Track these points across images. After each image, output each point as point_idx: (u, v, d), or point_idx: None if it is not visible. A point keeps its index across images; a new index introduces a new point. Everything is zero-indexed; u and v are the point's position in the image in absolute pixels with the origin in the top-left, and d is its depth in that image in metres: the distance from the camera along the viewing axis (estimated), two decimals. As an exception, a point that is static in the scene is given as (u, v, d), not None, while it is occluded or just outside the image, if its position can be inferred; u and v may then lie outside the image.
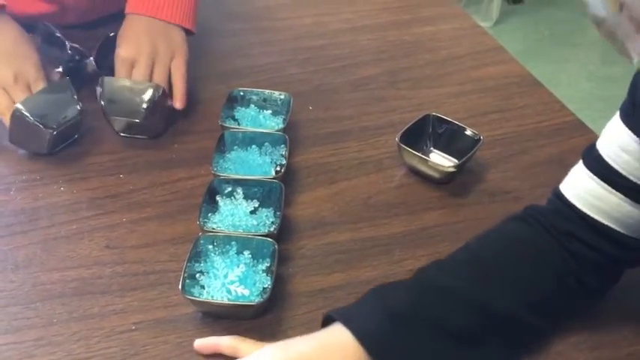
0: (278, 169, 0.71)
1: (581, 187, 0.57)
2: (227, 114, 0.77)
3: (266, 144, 0.73)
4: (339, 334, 0.52)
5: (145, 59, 0.77)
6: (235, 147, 0.73)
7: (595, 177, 0.56)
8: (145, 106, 0.75)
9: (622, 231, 0.56)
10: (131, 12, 0.81)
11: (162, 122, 0.77)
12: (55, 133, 0.72)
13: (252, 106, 0.79)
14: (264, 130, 0.74)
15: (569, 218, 0.58)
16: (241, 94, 0.79)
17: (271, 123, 0.77)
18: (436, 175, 0.72)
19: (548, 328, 0.57)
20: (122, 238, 0.65)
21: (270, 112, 0.78)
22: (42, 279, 0.61)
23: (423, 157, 0.72)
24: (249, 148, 0.73)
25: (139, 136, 0.76)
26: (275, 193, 0.66)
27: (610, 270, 0.58)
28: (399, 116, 0.81)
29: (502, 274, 0.56)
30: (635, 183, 0.54)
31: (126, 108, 0.75)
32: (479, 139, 0.73)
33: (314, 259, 0.64)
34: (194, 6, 0.83)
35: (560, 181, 0.61)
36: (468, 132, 0.74)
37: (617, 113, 0.57)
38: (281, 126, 0.75)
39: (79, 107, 0.74)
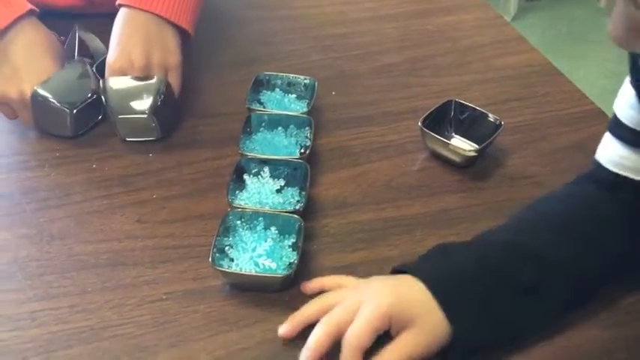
0: (303, 150, 0.72)
1: (609, 151, 0.62)
2: (253, 97, 0.79)
3: (291, 126, 0.75)
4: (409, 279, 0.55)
5: (137, 73, 0.73)
6: (261, 129, 0.75)
7: (615, 139, 0.61)
8: (151, 100, 0.72)
9: None
10: (124, 3, 0.75)
11: (169, 120, 0.76)
12: (75, 111, 0.73)
13: (278, 90, 0.80)
14: (290, 113, 0.76)
15: (607, 179, 0.62)
16: (267, 78, 0.81)
17: (296, 107, 0.79)
18: (457, 159, 0.73)
19: (609, 277, 0.59)
20: (152, 214, 0.67)
21: (294, 96, 0.80)
22: (76, 250, 0.63)
23: (445, 141, 0.73)
24: (274, 129, 0.75)
25: (146, 138, 0.74)
26: (300, 173, 0.68)
27: None
28: (421, 102, 0.83)
29: (561, 228, 0.59)
30: None
31: (131, 105, 0.72)
32: (500, 125, 0.74)
33: (338, 236, 0.66)
34: (193, 6, 0.78)
35: (580, 166, 0.65)
36: (489, 118, 0.76)
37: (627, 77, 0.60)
38: (305, 109, 0.77)
39: (95, 85, 0.74)
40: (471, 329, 0.53)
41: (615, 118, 0.62)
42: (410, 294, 0.54)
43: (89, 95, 0.75)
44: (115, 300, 0.59)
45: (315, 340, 0.52)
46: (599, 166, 0.64)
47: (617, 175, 0.61)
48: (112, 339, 0.56)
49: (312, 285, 0.59)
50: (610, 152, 0.63)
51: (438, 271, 0.56)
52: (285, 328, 0.55)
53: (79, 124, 0.75)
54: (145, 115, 0.72)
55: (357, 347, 0.51)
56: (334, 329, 0.52)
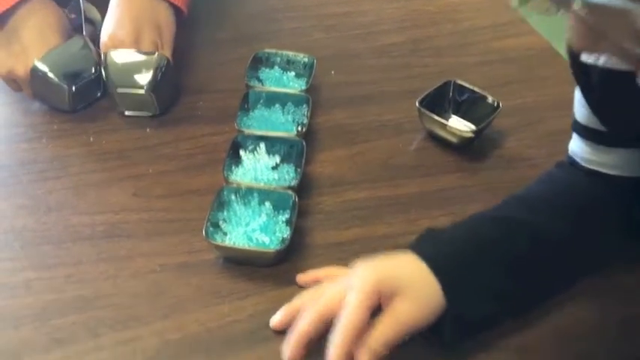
0: (300, 128, 0.72)
1: (574, 146, 0.64)
2: (252, 74, 0.79)
3: (289, 104, 0.75)
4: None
5: (128, 48, 0.74)
6: (259, 106, 0.75)
7: (576, 135, 0.63)
8: (151, 76, 0.72)
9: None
10: None
11: (168, 96, 0.76)
12: (74, 88, 0.73)
13: (277, 67, 0.80)
14: (288, 91, 0.76)
15: (582, 168, 0.63)
16: (266, 55, 0.81)
17: (294, 84, 0.79)
18: (454, 139, 0.73)
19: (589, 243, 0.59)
20: (148, 188, 0.68)
21: (293, 73, 0.80)
22: (72, 222, 0.64)
23: (442, 121, 0.73)
24: (272, 107, 0.75)
25: (144, 113, 0.75)
26: (296, 150, 0.69)
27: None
28: (420, 83, 0.82)
29: (547, 202, 0.60)
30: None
31: (130, 79, 0.73)
32: (497, 106, 0.74)
33: (332, 214, 0.66)
34: None
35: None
36: (488, 99, 0.75)
37: None
38: (304, 87, 0.77)
39: (97, 62, 0.75)
40: (466, 300, 0.52)
41: (573, 116, 0.63)
42: (399, 267, 0.53)
43: (89, 72, 0.75)
44: (109, 271, 0.60)
45: (302, 324, 0.51)
46: (570, 157, 0.64)
47: (587, 168, 0.62)
48: (106, 308, 0.57)
49: (306, 278, 0.59)
50: (574, 146, 0.64)
51: (431, 247, 0.55)
52: (276, 319, 0.55)
53: (77, 100, 0.75)
54: (144, 90, 0.73)
55: (352, 330, 0.49)
56: (321, 316, 0.51)
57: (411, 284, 0.52)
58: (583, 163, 0.62)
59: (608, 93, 0.54)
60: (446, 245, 0.56)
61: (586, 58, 0.48)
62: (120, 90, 0.73)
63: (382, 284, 0.51)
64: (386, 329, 0.49)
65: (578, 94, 0.61)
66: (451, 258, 0.54)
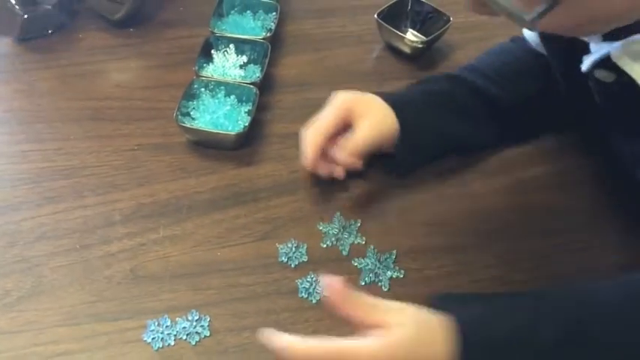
0: (268, 34, 0.80)
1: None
2: (228, -17, 0.86)
3: (260, 11, 0.82)
4: None
5: None
6: (232, 12, 0.83)
7: None
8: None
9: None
10: None
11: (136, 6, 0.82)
12: (27, 17, 0.76)
13: (252, -23, 0.87)
14: (260, -1, 0.83)
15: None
16: (242, -34, 0.87)
17: (267, -6, 0.86)
18: (407, 50, 0.81)
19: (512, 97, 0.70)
20: (130, 80, 0.77)
21: (267, -16, 0.87)
22: (62, 105, 0.73)
23: (397, 32, 0.81)
24: (244, 13, 0.82)
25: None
26: (262, 53, 0.77)
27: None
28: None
29: (495, 69, 0.72)
30: None
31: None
32: (448, 21, 0.82)
33: (291, 110, 0.75)
34: None
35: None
36: (441, 15, 0.83)
37: None
38: (275, -3, 0.84)
39: None
40: (414, 130, 0.65)
41: None
42: (370, 98, 0.66)
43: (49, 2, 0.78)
44: (94, 147, 0.69)
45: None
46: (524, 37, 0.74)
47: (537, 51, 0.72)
48: (90, 177, 0.67)
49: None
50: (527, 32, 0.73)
51: (393, 95, 0.68)
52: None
53: (28, 30, 0.77)
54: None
55: (323, 127, 0.63)
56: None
57: (376, 110, 0.65)
58: (533, 45, 0.72)
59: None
60: (405, 97, 0.68)
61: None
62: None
63: (354, 103, 0.65)
64: (354, 139, 0.64)
65: None
66: (407, 103, 0.67)
